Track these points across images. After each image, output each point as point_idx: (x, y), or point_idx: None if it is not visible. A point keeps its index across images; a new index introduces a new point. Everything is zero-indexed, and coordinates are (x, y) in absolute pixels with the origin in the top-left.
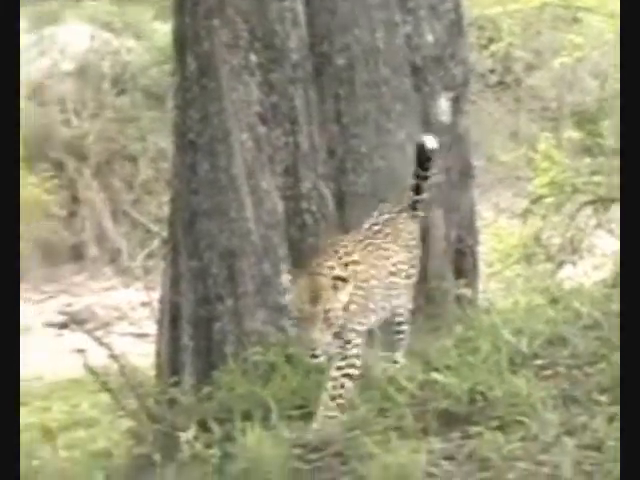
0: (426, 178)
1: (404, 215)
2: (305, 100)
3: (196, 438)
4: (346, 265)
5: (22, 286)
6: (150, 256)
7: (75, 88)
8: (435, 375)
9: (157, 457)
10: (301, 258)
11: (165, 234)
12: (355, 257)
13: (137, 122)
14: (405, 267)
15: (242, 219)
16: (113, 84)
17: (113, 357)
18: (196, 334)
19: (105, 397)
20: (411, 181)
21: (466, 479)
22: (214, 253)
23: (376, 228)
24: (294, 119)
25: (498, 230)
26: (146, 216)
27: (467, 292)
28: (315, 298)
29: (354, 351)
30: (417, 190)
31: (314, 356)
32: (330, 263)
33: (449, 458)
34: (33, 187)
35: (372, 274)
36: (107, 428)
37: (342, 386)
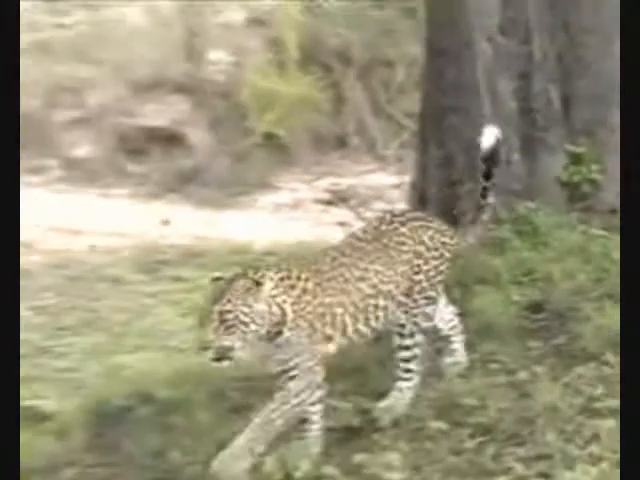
0: (496, 162)
1: (413, 224)
2: (537, 13)
3: None
4: (291, 288)
5: (295, 169)
6: (402, 146)
7: (341, 2)
8: None
9: None
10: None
11: (415, 127)
12: (308, 285)
13: (394, 33)
14: (389, 287)
15: (481, 115)
16: (369, 1)
17: None
18: (440, 212)
19: None
20: (481, 165)
21: None
22: (457, 144)
23: (359, 245)
24: (528, 30)
25: None
26: (399, 112)
27: None
28: (217, 298)
29: (291, 385)
30: (488, 176)
31: (215, 359)
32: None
33: None
34: (306, 86)
35: (321, 307)
36: None
37: (271, 421)
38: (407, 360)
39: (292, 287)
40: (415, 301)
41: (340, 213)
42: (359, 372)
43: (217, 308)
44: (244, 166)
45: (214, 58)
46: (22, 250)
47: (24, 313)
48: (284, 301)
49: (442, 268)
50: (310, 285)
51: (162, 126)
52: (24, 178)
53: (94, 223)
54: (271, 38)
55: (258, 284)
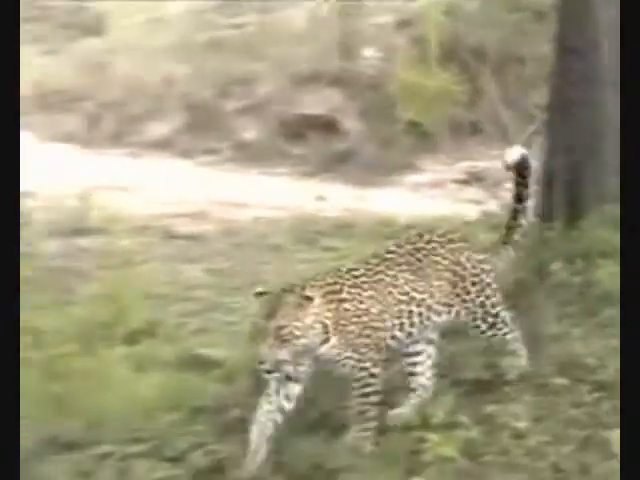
0: (526, 185)
1: (451, 246)
2: None
3: (562, 269)
4: (331, 302)
5: (435, 153)
6: (534, 134)
7: (478, 6)
8: None
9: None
10: None
11: (543, 117)
12: (343, 295)
13: (525, 33)
14: (422, 296)
15: (603, 107)
16: (504, 5)
17: (504, 206)
18: (565, 191)
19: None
20: (512, 188)
21: None
22: (582, 132)
23: (389, 256)
24: None
25: None
26: (529, 104)
27: None
28: (270, 313)
29: (362, 373)
30: (519, 199)
31: (267, 372)
32: (307, 288)
33: None
34: (446, 80)
35: (363, 309)
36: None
37: (365, 395)
38: (504, 339)
39: (331, 301)
40: (474, 313)
41: (475, 192)
42: None
43: (272, 324)
44: (390, 150)
45: (366, 55)
46: (197, 220)
47: (199, 274)
48: (326, 317)
49: (488, 280)
50: (348, 297)
51: (319, 114)
52: (200, 158)
53: (258, 198)
54: (416, 37)
55: (308, 299)
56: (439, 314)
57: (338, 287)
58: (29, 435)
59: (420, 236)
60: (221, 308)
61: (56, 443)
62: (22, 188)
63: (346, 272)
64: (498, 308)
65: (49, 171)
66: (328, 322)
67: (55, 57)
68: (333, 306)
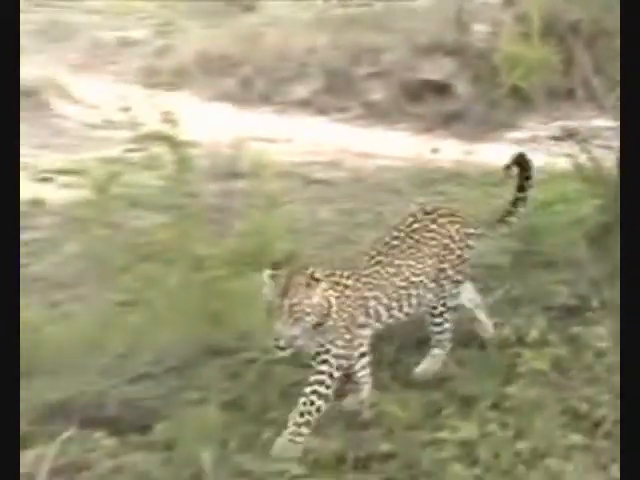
0: (529, 178)
1: (441, 220)
2: None
3: None
4: (336, 284)
5: (534, 114)
6: (618, 97)
7: None
8: None
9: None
10: None
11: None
12: (348, 292)
13: (615, 9)
14: (420, 278)
15: None
16: None
17: (592, 159)
18: None
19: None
20: (518, 181)
21: None
22: None
23: (395, 244)
24: None
25: None
26: (616, 72)
27: None
28: (284, 291)
29: (324, 367)
30: (522, 189)
31: (279, 348)
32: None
33: None
34: (545, 51)
35: (359, 300)
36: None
37: (312, 403)
38: (439, 332)
39: (337, 283)
40: (442, 286)
41: (567, 147)
42: (574, 264)
43: (286, 302)
44: (495, 110)
45: (477, 29)
46: (331, 168)
47: (326, 215)
48: (330, 295)
49: (467, 256)
50: (351, 282)
51: (436, 79)
52: (334, 115)
53: (382, 150)
54: (519, 14)
55: (315, 280)
56: (431, 291)
57: (346, 274)
58: (190, 345)
59: (414, 216)
60: (347, 241)
61: (212, 351)
62: (188, 138)
63: (354, 261)
64: (455, 291)
65: (210, 125)
66: (333, 304)
67: (217, 30)
68: (338, 289)
